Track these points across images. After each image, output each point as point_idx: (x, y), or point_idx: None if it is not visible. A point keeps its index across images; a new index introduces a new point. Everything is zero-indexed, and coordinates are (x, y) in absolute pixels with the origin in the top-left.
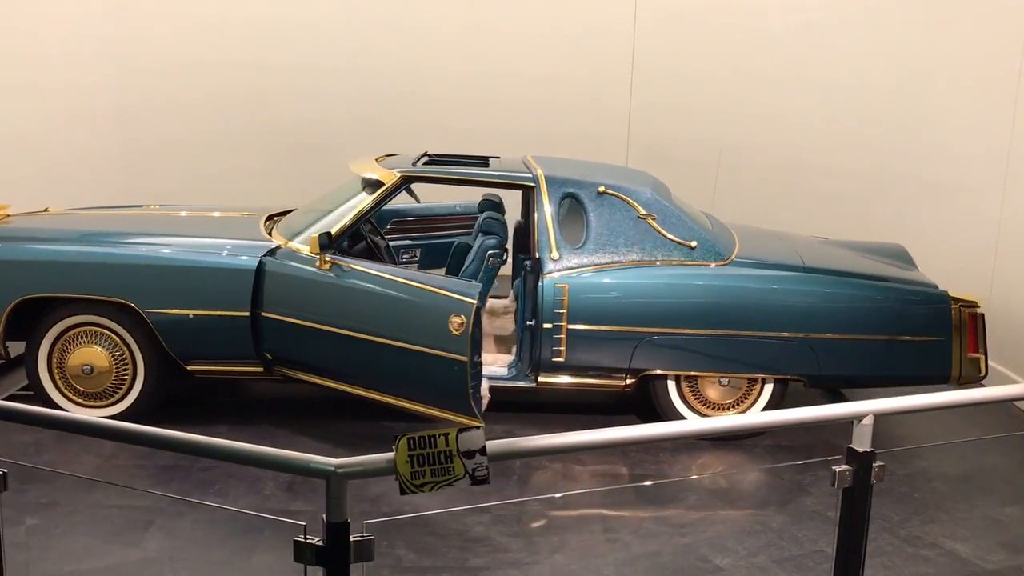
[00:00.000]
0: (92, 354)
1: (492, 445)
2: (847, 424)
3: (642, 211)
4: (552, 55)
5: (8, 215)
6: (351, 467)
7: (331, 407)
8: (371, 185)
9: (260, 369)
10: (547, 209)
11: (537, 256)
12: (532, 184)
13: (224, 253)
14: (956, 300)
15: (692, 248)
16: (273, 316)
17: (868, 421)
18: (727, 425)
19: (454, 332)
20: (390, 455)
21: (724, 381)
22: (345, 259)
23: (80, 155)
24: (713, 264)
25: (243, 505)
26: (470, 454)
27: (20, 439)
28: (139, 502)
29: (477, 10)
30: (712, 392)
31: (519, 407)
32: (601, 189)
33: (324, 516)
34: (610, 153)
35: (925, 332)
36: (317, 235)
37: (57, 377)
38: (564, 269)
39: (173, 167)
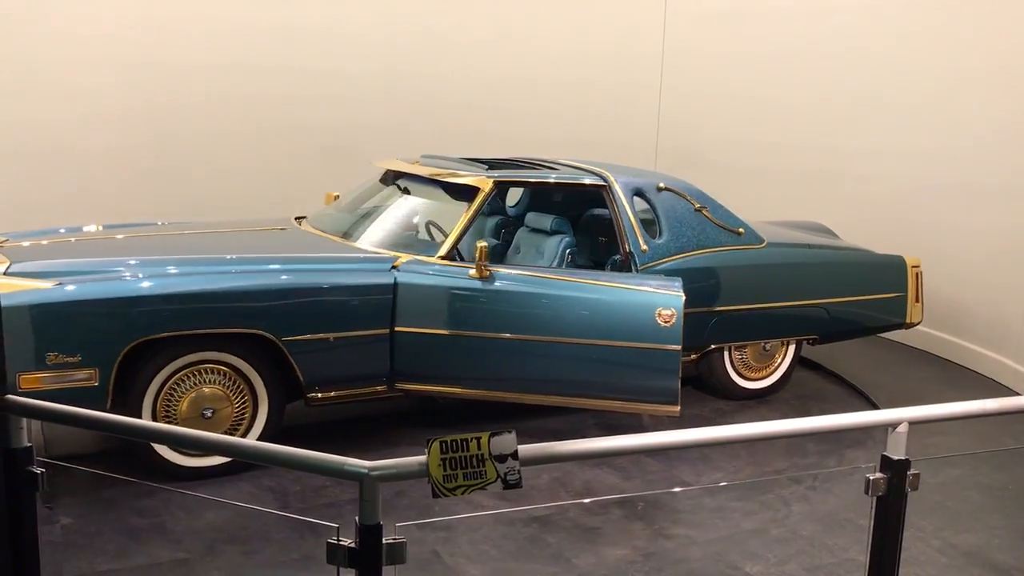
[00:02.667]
0: (207, 395)
1: (524, 449)
2: (865, 429)
3: (696, 204)
4: (581, 62)
5: None
6: (384, 469)
7: (363, 412)
8: (451, 190)
9: (384, 388)
10: (628, 207)
11: (628, 250)
12: (604, 184)
13: (355, 271)
14: None
15: (740, 234)
16: (414, 330)
17: (903, 429)
18: (762, 431)
19: (663, 324)
20: (423, 458)
21: (767, 346)
22: (502, 266)
23: (106, 157)
24: (758, 246)
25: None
26: (502, 458)
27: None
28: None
29: (504, 16)
30: (751, 357)
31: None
32: (661, 186)
33: (357, 518)
34: (639, 159)
35: (892, 289)
36: (485, 244)
37: None
38: (651, 261)
39: (201, 170)
